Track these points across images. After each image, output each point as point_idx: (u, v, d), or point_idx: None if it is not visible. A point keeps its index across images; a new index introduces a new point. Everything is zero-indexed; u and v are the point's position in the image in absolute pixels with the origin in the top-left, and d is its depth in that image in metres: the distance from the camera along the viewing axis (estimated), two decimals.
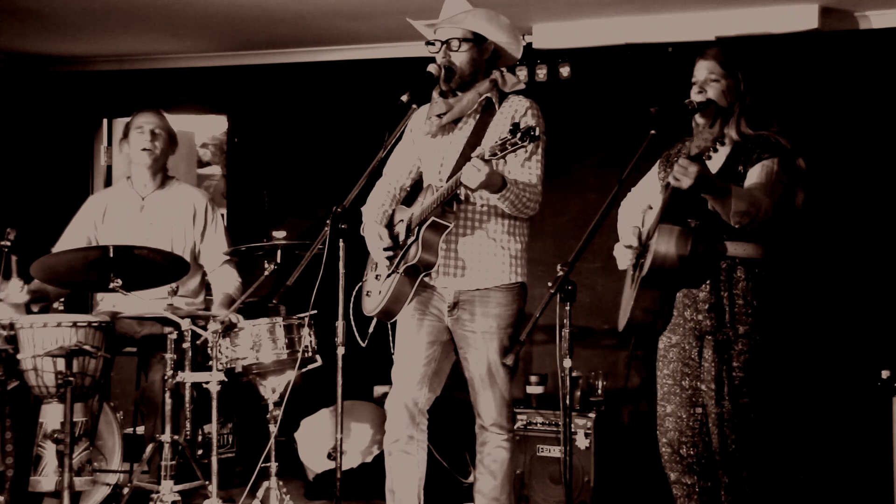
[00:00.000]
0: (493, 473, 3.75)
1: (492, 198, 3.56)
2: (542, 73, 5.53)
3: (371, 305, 3.80)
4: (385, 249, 3.70)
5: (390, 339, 3.86)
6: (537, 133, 3.29)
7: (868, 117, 5.03)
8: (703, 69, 3.53)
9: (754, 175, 3.42)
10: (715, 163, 3.46)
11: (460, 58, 3.65)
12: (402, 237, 3.73)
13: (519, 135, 3.28)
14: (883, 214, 5.00)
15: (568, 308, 3.07)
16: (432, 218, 3.58)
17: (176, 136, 4.94)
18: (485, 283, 3.68)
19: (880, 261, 4.98)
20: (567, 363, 3.09)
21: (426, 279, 3.68)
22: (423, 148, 3.82)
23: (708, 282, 3.48)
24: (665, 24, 5.23)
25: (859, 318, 4.98)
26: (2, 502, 4.20)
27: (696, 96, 3.51)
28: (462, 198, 3.61)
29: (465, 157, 3.54)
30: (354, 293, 3.86)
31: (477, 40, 3.66)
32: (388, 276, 3.71)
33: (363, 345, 3.82)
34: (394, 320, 3.77)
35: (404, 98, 3.60)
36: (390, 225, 3.81)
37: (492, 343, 3.67)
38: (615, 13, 5.21)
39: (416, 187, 3.86)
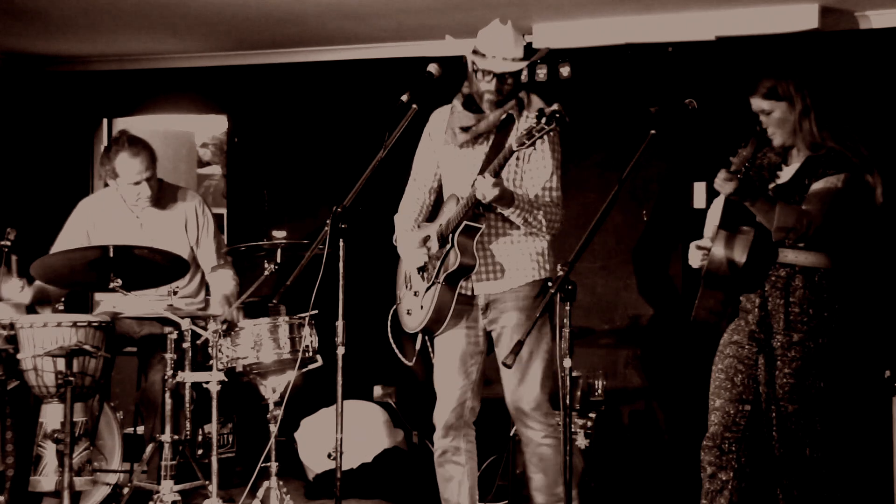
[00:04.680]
0: (543, 471, 3.77)
1: (506, 212, 3.63)
2: (542, 73, 5.53)
3: (415, 322, 3.82)
4: (420, 257, 3.78)
5: (430, 349, 3.87)
6: (559, 112, 3.39)
7: (868, 117, 5.02)
8: (755, 106, 3.57)
9: (814, 190, 3.44)
10: (785, 175, 3.54)
11: (511, 86, 3.72)
12: (433, 250, 3.78)
13: (545, 119, 3.38)
14: (883, 215, 4.99)
15: (568, 308, 3.07)
16: (465, 222, 3.64)
17: (155, 152, 4.74)
18: (515, 283, 3.73)
19: (880, 261, 4.98)
20: (567, 363, 3.09)
21: (462, 290, 3.72)
22: (445, 157, 3.86)
23: (767, 288, 3.50)
24: (665, 24, 5.23)
25: (859, 319, 4.97)
26: (2, 502, 4.20)
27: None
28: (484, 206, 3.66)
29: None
30: (391, 316, 3.89)
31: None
32: (428, 288, 3.74)
33: (409, 364, 3.86)
34: (439, 334, 3.76)
35: (404, 98, 3.61)
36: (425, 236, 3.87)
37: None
38: (615, 13, 5.22)
39: (439, 202, 3.93)
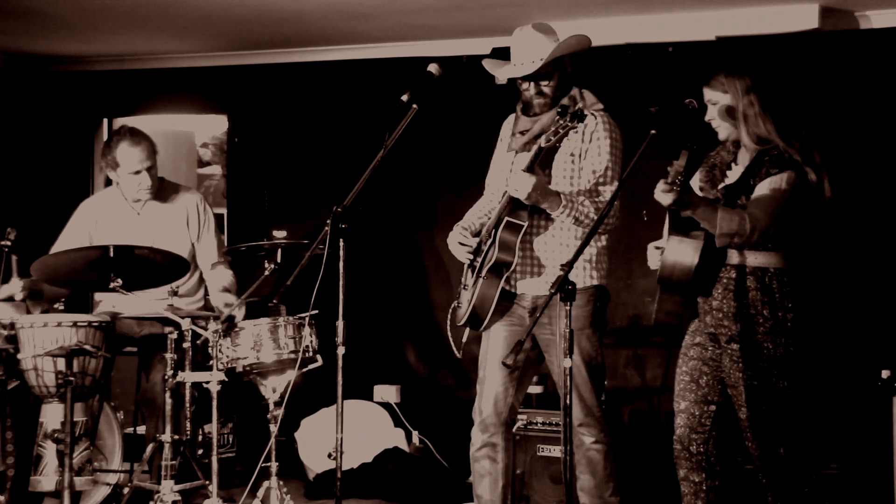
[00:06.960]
0: (591, 473, 3.80)
1: (553, 214, 3.64)
2: None
3: (460, 314, 3.85)
4: (462, 244, 3.82)
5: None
6: (583, 112, 3.43)
7: (868, 117, 5.02)
8: (705, 96, 3.56)
9: (758, 191, 3.42)
10: (733, 175, 3.52)
11: (550, 86, 3.74)
12: (485, 246, 3.78)
13: (568, 116, 3.42)
14: (883, 214, 5.00)
15: (568, 308, 3.08)
16: (506, 218, 3.65)
17: (155, 145, 4.78)
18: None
19: (880, 261, 4.98)
20: (567, 363, 3.09)
21: (507, 287, 3.71)
22: (504, 161, 3.89)
23: (720, 290, 3.48)
24: (665, 24, 5.23)
25: (859, 318, 4.97)
26: (2, 502, 4.21)
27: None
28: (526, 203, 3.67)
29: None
30: (451, 308, 3.92)
31: (558, 63, 3.74)
32: (474, 283, 3.76)
33: (459, 356, 3.87)
34: (484, 328, 3.77)
35: (404, 98, 3.62)
36: (478, 235, 3.89)
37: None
38: (615, 13, 5.22)
39: None
